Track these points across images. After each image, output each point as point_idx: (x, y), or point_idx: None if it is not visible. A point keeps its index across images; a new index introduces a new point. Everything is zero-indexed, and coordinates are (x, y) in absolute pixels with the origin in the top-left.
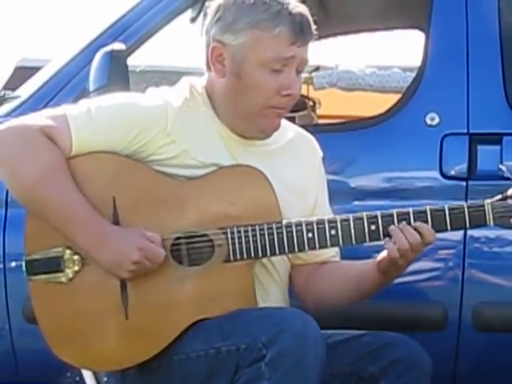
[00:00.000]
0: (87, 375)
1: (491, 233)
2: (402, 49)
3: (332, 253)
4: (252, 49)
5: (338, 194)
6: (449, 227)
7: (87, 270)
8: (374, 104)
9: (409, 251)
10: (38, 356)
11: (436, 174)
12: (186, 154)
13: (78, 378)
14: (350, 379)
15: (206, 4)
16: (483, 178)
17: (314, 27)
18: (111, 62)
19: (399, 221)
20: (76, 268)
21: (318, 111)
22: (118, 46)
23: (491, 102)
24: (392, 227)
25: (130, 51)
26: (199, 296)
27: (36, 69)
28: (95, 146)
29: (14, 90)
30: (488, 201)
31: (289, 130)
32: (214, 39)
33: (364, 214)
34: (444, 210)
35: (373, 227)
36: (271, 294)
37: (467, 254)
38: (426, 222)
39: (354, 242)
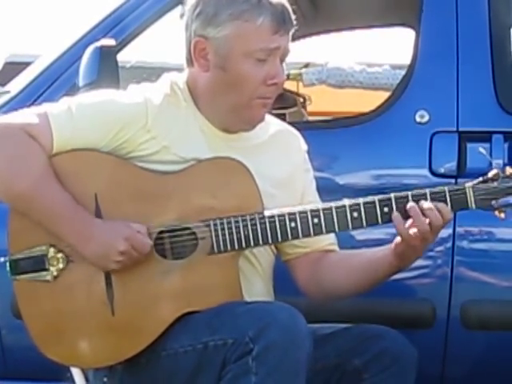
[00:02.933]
0: (76, 373)
1: (480, 230)
2: (392, 46)
3: (329, 240)
4: (236, 40)
5: (326, 191)
6: None
7: (72, 268)
8: (364, 101)
9: (428, 231)
10: (26, 352)
11: (425, 171)
12: (167, 150)
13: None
14: (334, 373)
15: (184, 0)
16: (473, 175)
17: (293, 17)
18: (101, 58)
19: (381, 207)
20: (60, 266)
21: (308, 108)
22: (108, 41)
23: (481, 100)
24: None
25: (120, 47)
26: (184, 289)
27: (26, 64)
28: (76, 143)
29: (3, 85)
30: (469, 184)
31: (271, 125)
32: (195, 34)
33: (346, 201)
34: (426, 195)
35: (355, 214)
36: (255, 286)
37: (456, 252)
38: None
39: (336, 229)
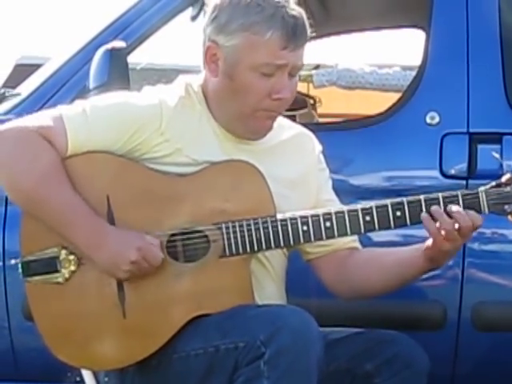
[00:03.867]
0: (87, 375)
1: (491, 232)
2: (402, 47)
3: (351, 237)
4: (244, 52)
5: (338, 192)
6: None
7: (83, 270)
8: (375, 103)
9: (452, 231)
10: (37, 354)
11: (436, 173)
12: (180, 152)
13: (78, 378)
14: (345, 377)
15: (206, 2)
16: (483, 177)
17: (308, 31)
18: (111, 60)
19: (393, 211)
20: (72, 268)
21: (319, 110)
22: (119, 43)
23: (491, 101)
24: (427, 212)
25: (130, 49)
26: (196, 292)
27: (36, 66)
28: (91, 146)
29: (13, 87)
30: (482, 188)
31: (284, 128)
32: (209, 39)
33: (358, 205)
34: (438, 199)
35: (367, 218)
36: (267, 290)
37: (467, 253)
38: (421, 211)
39: (349, 233)
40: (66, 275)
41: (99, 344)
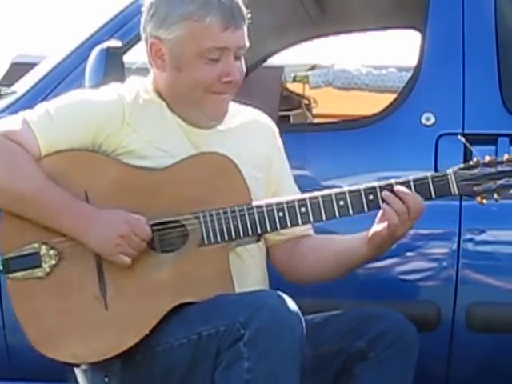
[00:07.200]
0: (79, 374)
1: (485, 232)
2: (398, 48)
3: (305, 226)
4: (187, 41)
5: None
6: None
7: (64, 264)
8: (370, 103)
9: (406, 215)
10: (30, 353)
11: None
12: (150, 145)
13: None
14: (337, 358)
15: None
16: None
17: (245, 11)
18: (107, 59)
19: (366, 195)
20: (53, 262)
21: (314, 110)
22: (115, 43)
23: (486, 102)
24: (385, 193)
25: (126, 48)
26: (177, 281)
27: (32, 65)
28: (61, 145)
29: (9, 86)
30: (451, 170)
31: (241, 112)
32: (151, 35)
33: (332, 190)
34: (409, 182)
35: (341, 203)
36: (248, 278)
37: (461, 254)
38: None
39: (324, 218)
40: (47, 269)
41: (82, 337)
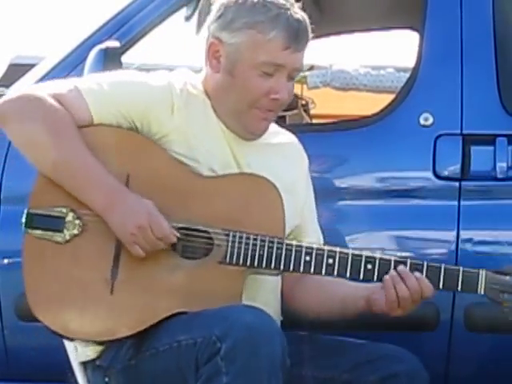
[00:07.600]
0: (79, 375)
1: (484, 234)
2: (396, 49)
3: None
4: (246, 50)
5: (330, 193)
6: (441, 285)
7: (85, 237)
8: (368, 104)
9: (408, 300)
10: (29, 354)
11: (429, 174)
12: (191, 137)
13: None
14: None
15: (201, 2)
16: (476, 178)
17: (310, 36)
18: (105, 60)
19: (396, 267)
20: (75, 231)
21: (312, 111)
22: (113, 43)
23: (485, 102)
24: (392, 273)
25: (124, 49)
26: (187, 289)
27: (30, 66)
28: (111, 120)
29: (7, 86)
30: (484, 271)
31: (278, 134)
32: (212, 35)
33: (363, 252)
34: (440, 268)
35: (369, 266)
36: (258, 300)
37: (460, 255)
38: (421, 273)
39: (347, 275)
40: (67, 237)
41: (79, 312)
